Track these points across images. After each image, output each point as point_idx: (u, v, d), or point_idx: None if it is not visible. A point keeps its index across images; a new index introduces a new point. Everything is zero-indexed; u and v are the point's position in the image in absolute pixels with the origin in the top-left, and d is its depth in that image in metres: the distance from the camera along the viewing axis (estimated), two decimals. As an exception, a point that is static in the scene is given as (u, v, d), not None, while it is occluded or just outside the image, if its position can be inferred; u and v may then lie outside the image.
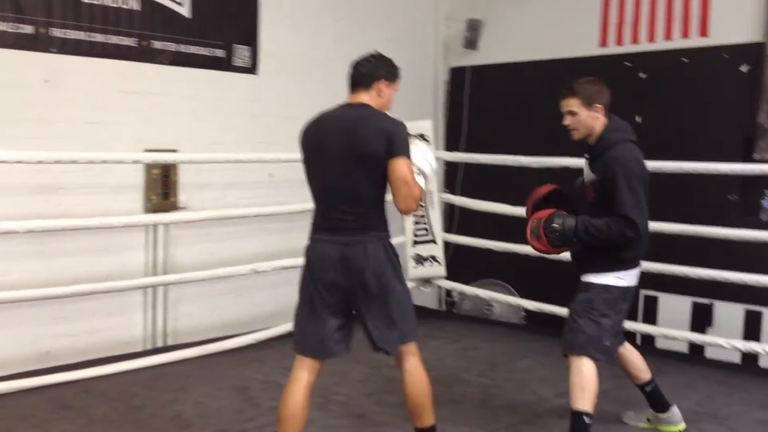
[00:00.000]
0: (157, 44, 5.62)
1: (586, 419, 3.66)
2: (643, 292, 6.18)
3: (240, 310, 6.21)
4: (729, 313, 5.76)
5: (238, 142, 6.08)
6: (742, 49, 5.92)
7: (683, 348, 5.79)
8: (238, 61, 6.12)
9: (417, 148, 3.43)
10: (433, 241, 6.45)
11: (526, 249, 4.43)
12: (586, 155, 3.97)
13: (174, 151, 5.69)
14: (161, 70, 5.66)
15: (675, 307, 6.01)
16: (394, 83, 3.51)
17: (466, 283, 6.82)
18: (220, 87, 6.02)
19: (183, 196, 5.79)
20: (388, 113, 3.45)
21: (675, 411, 4.24)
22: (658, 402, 4.23)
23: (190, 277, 5.52)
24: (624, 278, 3.82)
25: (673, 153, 5.75)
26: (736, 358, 5.61)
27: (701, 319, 5.88)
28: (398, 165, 3.25)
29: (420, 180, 3.39)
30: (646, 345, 6.03)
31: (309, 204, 6.09)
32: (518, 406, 4.58)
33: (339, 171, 3.32)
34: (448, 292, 7.56)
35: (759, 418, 4.46)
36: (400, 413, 4.36)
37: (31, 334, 5.11)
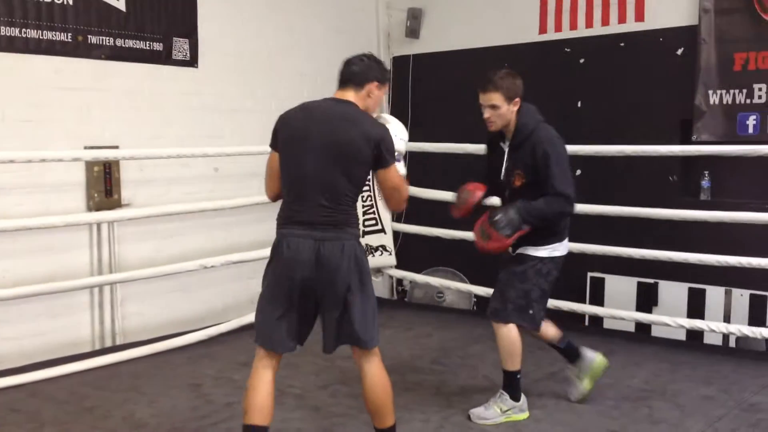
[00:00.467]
0: (93, 39, 5.49)
1: (518, 375, 4.14)
2: (590, 274, 6.28)
3: (189, 306, 6.13)
4: (673, 292, 5.89)
5: (180, 136, 5.99)
6: (677, 32, 6.04)
7: (630, 327, 5.90)
8: (177, 55, 6.03)
9: (391, 127, 3.42)
10: (383, 231, 6.46)
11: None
12: (502, 144, 4.11)
13: (115, 147, 5.58)
14: (98, 65, 5.54)
15: (621, 288, 6.12)
16: (384, 86, 3.49)
17: (417, 271, 6.85)
18: (159, 81, 5.92)
19: (126, 193, 5.69)
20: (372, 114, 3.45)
21: (586, 351, 4.45)
22: (572, 353, 4.45)
23: (136, 275, 5.44)
24: (558, 249, 4.11)
25: (613, 136, 5.87)
26: (681, 336, 5.74)
27: (647, 299, 5.99)
28: (390, 174, 3.32)
29: (401, 167, 3.41)
30: (594, 326, 6.15)
31: (255, 198, 6.12)
32: (472, 392, 4.62)
33: (320, 164, 3.26)
34: (400, 281, 7.59)
35: (704, 393, 4.58)
36: (356, 404, 4.37)
37: (-26, 339, 4.99)
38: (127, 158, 5.56)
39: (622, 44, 6.31)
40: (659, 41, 6.14)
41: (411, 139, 7.27)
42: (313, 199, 3.28)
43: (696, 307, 5.77)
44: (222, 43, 6.31)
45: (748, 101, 5.67)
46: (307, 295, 3.32)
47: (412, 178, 7.05)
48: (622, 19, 6.32)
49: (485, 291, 6.11)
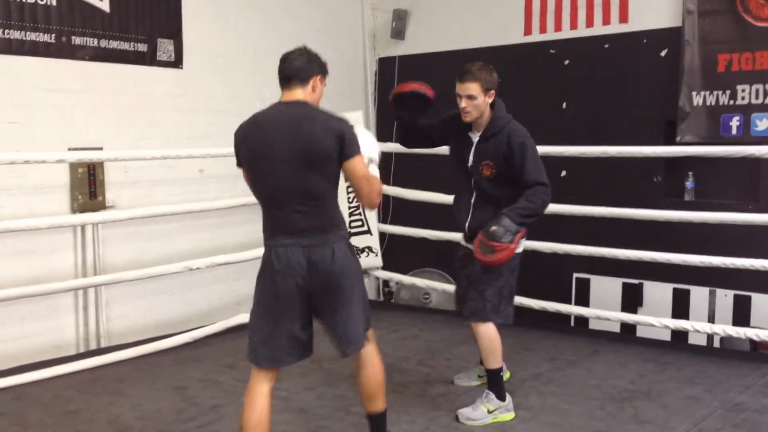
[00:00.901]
0: (77, 40, 5.46)
1: (501, 372, 4.22)
2: (575, 275, 6.30)
3: (174, 309, 6.11)
4: (658, 293, 5.92)
5: (165, 138, 5.97)
6: (661, 34, 6.08)
7: (615, 328, 5.92)
8: (162, 56, 6.00)
9: (362, 136, 3.39)
10: (369, 232, 6.46)
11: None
12: (470, 134, 4.19)
13: (99, 149, 5.55)
14: (82, 66, 5.51)
15: (606, 289, 6.14)
16: (325, 78, 3.44)
17: (404, 272, 6.85)
18: (144, 82, 5.89)
19: (110, 195, 5.66)
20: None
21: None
22: None
23: (121, 277, 5.41)
24: (523, 245, 4.20)
25: (598, 137, 5.89)
26: (666, 336, 5.76)
27: (632, 300, 6.02)
28: (355, 164, 3.25)
29: (373, 169, 3.38)
30: (580, 326, 6.17)
31: (241, 199, 6.11)
32: (458, 393, 4.61)
33: (291, 171, 3.21)
34: (386, 283, 7.59)
35: (690, 394, 4.59)
36: (342, 406, 4.37)
37: (-43, 343, 4.96)
38: (111, 160, 5.53)
39: (606, 45, 6.35)
40: (643, 43, 6.17)
41: (397, 139, 7.24)
42: (292, 207, 3.24)
43: (681, 307, 5.81)
44: (207, 44, 6.30)
45: (732, 102, 5.71)
46: (302, 304, 3.29)
47: (398, 180, 7.12)
48: (606, 21, 6.35)
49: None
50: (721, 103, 5.76)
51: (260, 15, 6.70)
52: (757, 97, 5.61)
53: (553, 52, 6.62)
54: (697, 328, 5.21)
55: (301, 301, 3.28)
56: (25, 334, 5.26)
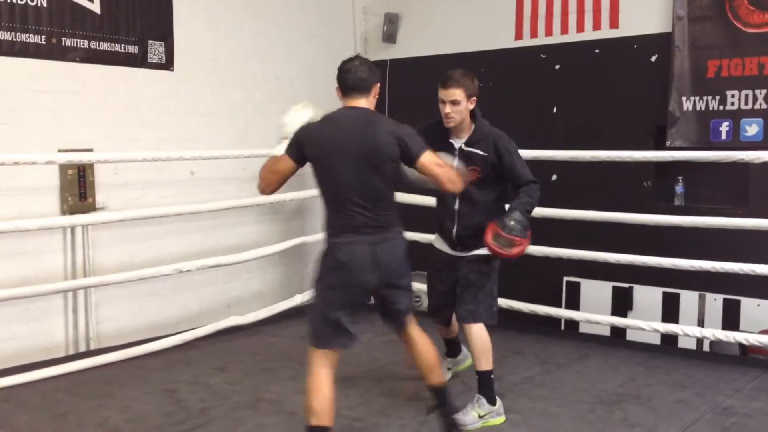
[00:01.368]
0: (67, 41, 5.45)
1: (492, 375, 4.24)
2: (565, 279, 6.31)
3: (164, 311, 6.09)
4: (648, 296, 5.93)
5: (156, 140, 5.96)
6: (651, 39, 6.10)
7: (605, 331, 5.94)
8: (152, 58, 5.99)
9: (291, 114, 3.62)
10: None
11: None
12: (452, 141, 4.22)
13: (89, 150, 5.54)
14: (73, 67, 5.49)
15: (596, 293, 6.16)
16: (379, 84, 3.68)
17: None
18: (135, 84, 5.87)
19: (101, 197, 5.64)
20: None
21: (465, 349, 4.73)
22: (455, 347, 4.85)
23: (111, 279, 5.38)
24: None
25: (588, 142, 5.92)
26: (656, 340, 5.78)
27: (622, 303, 6.04)
28: (424, 161, 3.48)
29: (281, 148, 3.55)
30: (570, 330, 6.18)
31: (232, 201, 6.10)
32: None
33: (356, 171, 3.42)
34: (375, 286, 7.56)
35: (679, 397, 4.61)
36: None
37: (-55, 345, 4.92)
38: (101, 161, 5.50)
39: (596, 51, 6.37)
40: (633, 48, 6.19)
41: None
42: (357, 206, 3.45)
43: (670, 311, 5.83)
44: (198, 46, 6.29)
45: (721, 108, 5.74)
46: (363, 296, 3.58)
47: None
48: (596, 26, 6.37)
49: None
50: (710, 108, 5.79)
51: (252, 18, 6.69)
52: (746, 103, 5.64)
53: (544, 56, 6.63)
54: (687, 332, 5.23)
55: (361, 294, 3.56)
56: (14, 336, 5.24)
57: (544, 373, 5.04)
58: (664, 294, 5.87)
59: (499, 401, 4.23)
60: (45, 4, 5.29)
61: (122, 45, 5.78)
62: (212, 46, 6.40)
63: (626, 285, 6.04)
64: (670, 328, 5.33)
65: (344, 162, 3.42)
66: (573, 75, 6.49)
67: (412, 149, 3.47)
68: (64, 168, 5.41)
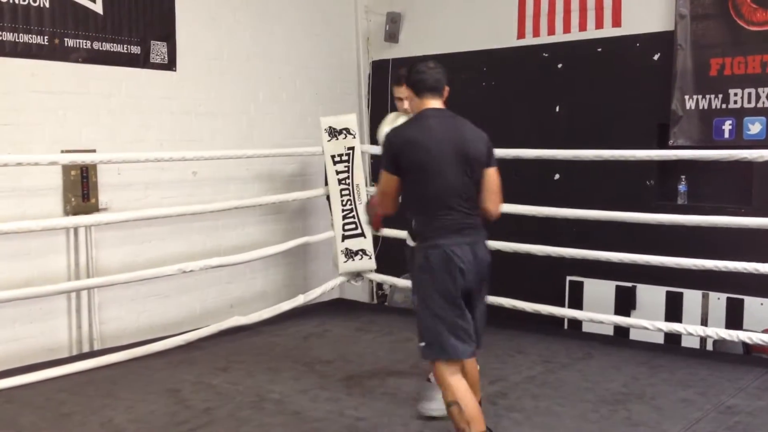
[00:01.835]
0: (70, 42, 5.46)
1: None
2: (569, 278, 6.32)
3: (168, 311, 6.10)
4: (651, 296, 5.93)
5: (158, 140, 5.97)
6: (654, 38, 6.10)
7: (609, 331, 5.93)
8: (155, 58, 6.00)
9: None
10: (363, 235, 6.45)
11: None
12: None
13: (92, 151, 5.54)
14: (75, 68, 5.50)
15: (599, 292, 6.15)
16: None
17: (397, 275, 6.84)
18: (137, 84, 5.88)
19: (104, 197, 5.65)
20: None
21: None
22: None
23: (114, 280, 5.38)
24: None
25: (591, 141, 5.91)
26: (659, 339, 5.77)
27: (625, 303, 6.04)
28: (494, 172, 3.60)
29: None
30: (573, 329, 6.18)
31: (234, 202, 6.10)
32: (452, 395, 4.61)
33: (456, 174, 3.48)
34: (379, 285, 7.58)
35: (682, 396, 4.60)
36: (335, 408, 4.36)
37: (-51, 345, 4.93)
38: (104, 162, 5.51)
39: (599, 49, 6.37)
40: (636, 47, 6.19)
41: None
42: (459, 208, 3.50)
43: (673, 310, 5.82)
44: (200, 46, 6.29)
45: (724, 106, 5.73)
46: (465, 297, 3.53)
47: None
48: (599, 25, 6.37)
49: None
50: (713, 106, 5.78)
51: (254, 18, 6.70)
52: (749, 101, 5.63)
53: (546, 55, 6.63)
54: (690, 331, 5.22)
55: (465, 294, 3.52)
56: (18, 337, 5.25)
57: (547, 373, 5.03)
58: (668, 293, 5.87)
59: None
60: (47, 5, 5.30)
61: (125, 45, 5.79)
62: (214, 46, 6.41)
63: (629, 284, 6.03)
64: (674, 327, 5.32)
65: (448, 164, 3.47)
66: (575, 74, 6.49)
67: (492, 157, 3.58)
68: (67, 169, 5.42)
